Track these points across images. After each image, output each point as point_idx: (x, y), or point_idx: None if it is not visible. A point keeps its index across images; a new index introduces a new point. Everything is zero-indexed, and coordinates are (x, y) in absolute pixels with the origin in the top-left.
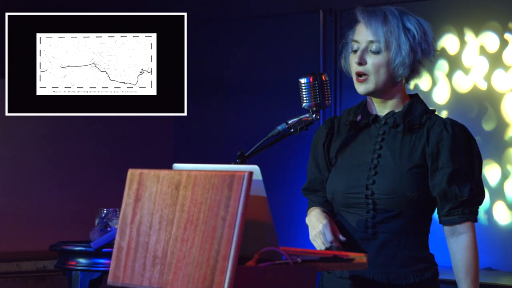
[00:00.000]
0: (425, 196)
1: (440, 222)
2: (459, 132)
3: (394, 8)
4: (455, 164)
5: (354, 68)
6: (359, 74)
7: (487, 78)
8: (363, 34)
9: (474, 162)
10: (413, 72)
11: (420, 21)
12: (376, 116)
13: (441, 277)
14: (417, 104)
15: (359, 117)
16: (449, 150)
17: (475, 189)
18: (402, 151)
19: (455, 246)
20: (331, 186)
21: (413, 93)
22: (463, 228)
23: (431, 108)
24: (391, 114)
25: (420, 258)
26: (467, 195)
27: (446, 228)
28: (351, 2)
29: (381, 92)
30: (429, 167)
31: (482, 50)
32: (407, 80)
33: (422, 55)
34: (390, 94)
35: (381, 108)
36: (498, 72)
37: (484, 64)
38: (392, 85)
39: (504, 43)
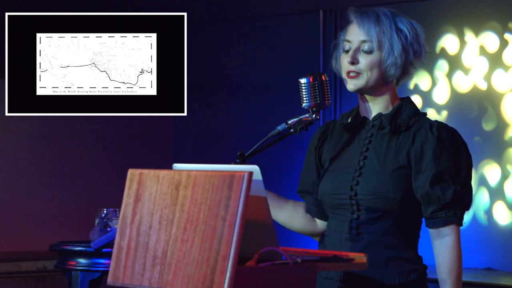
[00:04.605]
0: (410, 198)
1: (425, 224)
2: (445, 135)
3: (386, 9)
4: (438, 166)
5: (345, 67)
6: (350, 73)
7: (487, 78)
8: (355, 34)
9: (461, 165)
10: (404, 73)
11: (412, 23)
12: (365, 118)
13: (430, 276)
14: (406, 107)
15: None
16: (433, 152)
17: (460, 192)
18: (388, 152)
19: (439, 248)
20: (320, 189)
21: (413, 93)
22: (447, 230)
23: (423, 111)
24: (378, 116)
25: (406, 259)
26: (450, 198)
27: (431, 230)
28: (351, 2)
29: (372, 90)
30: (413, 168)
31: (482, 50)
32: (398, 81)
33: (414, 56)
34: (380, 92)
35: (372, 105)
36: (498, 72)
37: (484, 64)
38: (382, 84)
39: (504, 43)
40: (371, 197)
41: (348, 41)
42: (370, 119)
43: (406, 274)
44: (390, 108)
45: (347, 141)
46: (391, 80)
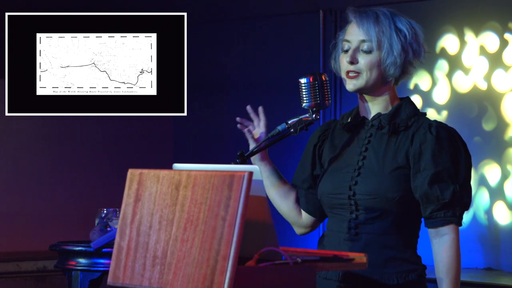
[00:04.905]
0: (408, 198)
1: (424, 224)
2: (444, 134)
3: (385, 9)
4: (437, 166)
5: (345, 67)
6: (349, 72)
7: (487, 78)
8: (354, 33)
9: (460, 165)
10: (404, 72)
11: (411, 23)
12: (364, 118)
13: (430, 276)
14: (405, 107)
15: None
16: (431, 152)
17: (459, 192)
18: (387, 152)
19: (437, 247)
20: (320, 188)
21: (413, 93)
22: (446, 230)
23: (423, 111)
24: (377, 116)
25: (404, 259)
26: (449, 198)
27: (430, 230)
28: (351, 2)
29: (371, 90)
30: (412, 168)
31: (482, 50)
32: (397, 81)
33: (413, 56)
34: (379, 92)
35: (372, 105)
36: (498, 72)
37: (484, 64)
38: (382, 84)
39: (504, 43)
40: (370, 197)
41: (347, 41)
42: (370, 119)
43: (405, 275)
44: (390, 108)
45: (346, 141)
46: (391, 79)
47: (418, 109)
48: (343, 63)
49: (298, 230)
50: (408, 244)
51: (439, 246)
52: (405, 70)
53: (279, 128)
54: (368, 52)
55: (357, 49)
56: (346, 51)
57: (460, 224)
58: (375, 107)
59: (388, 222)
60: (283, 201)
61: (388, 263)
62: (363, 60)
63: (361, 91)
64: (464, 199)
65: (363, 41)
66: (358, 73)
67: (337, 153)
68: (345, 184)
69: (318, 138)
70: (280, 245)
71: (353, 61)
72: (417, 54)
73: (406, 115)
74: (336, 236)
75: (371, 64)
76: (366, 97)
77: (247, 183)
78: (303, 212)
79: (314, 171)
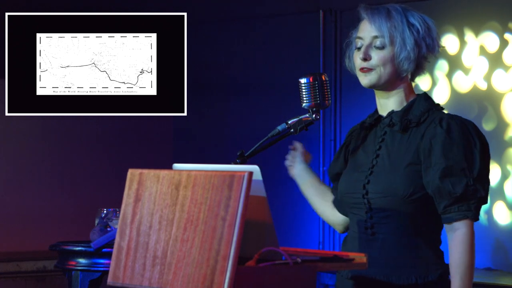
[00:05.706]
0: (422, 195)
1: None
2: (455, 127)
3: (397, 5)
4: (448, 160)
5: (358, 64)
6: (363, 69)
7: (487, 78)
8: (367, 30)
9: (474, 158)
10: (418, 67)
11: (423, 17)
12: (380, 116)
13: None
14: (419, 103)
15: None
16: (441, 146)
17: (473, 185)
18: (399, 150)
19: (450, 242)
20: (339, 188)
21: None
22: (459, 225)
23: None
24: (390, 113)
25: (424, 259)
26: (462, 191)
27: (445, 226)
28: (351, 2)
29: (385, 86)
30: (422, 163)
31: (482, 50)
32: (413, 76)
33: (427, 50)
34: (393, 88)
35: (386, 102)
36: (498, 72)
37: (484, 64)
38: (396, 80)
39: (504, 43)
40: (381, 195)
41: (360, 38)
42: (384, 117)
43: (424, 275)
44: (404, 105)
45: (365, 140)
46: (405, 75)
47: (435, 104)
48: (357, 60)
49: (337, 228)
50: (428, 244)
51: (451, 241)
52: (420, 65)
53: (279, 128)
54: (381, 48)
55: (369, 46)
56: (359, 48)
57: (477, 219)
58: (389, 104)
59: (404, 221)
60: (318, 200)
61: (407, 263)
62: (376, 56)
63: (375, 87)
64: (479, 193)
65: (376, 37)
66: (371, 69)
67: (356, 152)
68: (360, 183)
69: (347, 137)
70: (280, 245)
71: (366, 58)
72: (431, 48)
73: (419, 111)
74: (356, 237)
75: (385, 59)
76: (381, 93)
77: (247, 183)
78: (336, 210)
79: (337, 168)
